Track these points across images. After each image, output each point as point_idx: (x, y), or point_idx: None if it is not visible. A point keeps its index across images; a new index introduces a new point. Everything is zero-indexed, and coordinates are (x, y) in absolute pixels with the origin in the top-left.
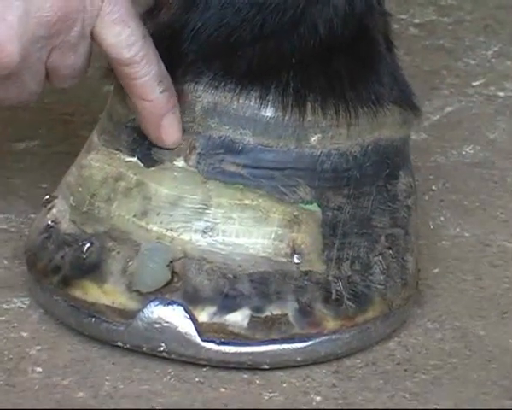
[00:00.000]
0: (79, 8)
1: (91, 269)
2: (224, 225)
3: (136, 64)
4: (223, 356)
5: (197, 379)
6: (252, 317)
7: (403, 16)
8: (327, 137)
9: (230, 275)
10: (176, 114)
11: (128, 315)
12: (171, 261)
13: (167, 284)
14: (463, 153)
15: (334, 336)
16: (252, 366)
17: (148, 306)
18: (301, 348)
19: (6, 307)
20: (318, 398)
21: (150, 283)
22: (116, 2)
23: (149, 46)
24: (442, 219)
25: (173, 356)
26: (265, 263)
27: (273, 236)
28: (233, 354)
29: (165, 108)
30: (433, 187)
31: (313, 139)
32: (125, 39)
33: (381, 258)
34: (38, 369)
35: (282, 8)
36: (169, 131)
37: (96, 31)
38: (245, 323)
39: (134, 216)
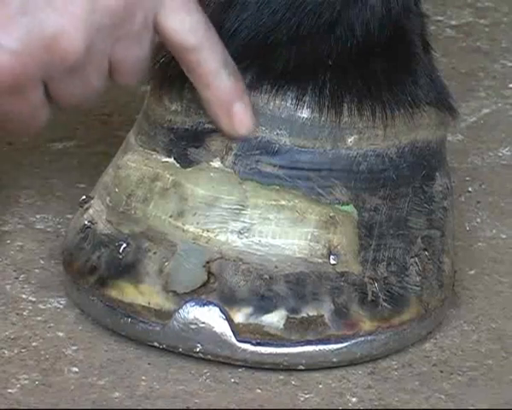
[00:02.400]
0: None
1: (127, 269)
2: (261, 225)
3: (202, 50)
4: (258, 357)
5: (233, 380)
6: (288, 318)
7: (439, 18)
8: (363, 138)
9: (267, 276)
10: (246, 100)
11: (164, 316)
12: (208, 262)
13: (203, 284)
14: (500, 154)
15: (369, 338)
16: (287, 367)
17: (184, 306)
18: (337, 349)
19: (42, 307)
20: (354, 399)
21: (186, 283)
22: None
23: (213, 32)
24: (478, 220)
25: (209, 357)
26: (301, 264)
27: (309, 237)
28: (269, 354)
29: (234, 93)
30: (470, 188)
31: (349, 140)
32: (190, 25)
33: (417, 259)
34: (75, 369)
35: (318, 10)
36: (241, 117)
37: (159, 18)
38: (281, 324)
39: (170, 217)
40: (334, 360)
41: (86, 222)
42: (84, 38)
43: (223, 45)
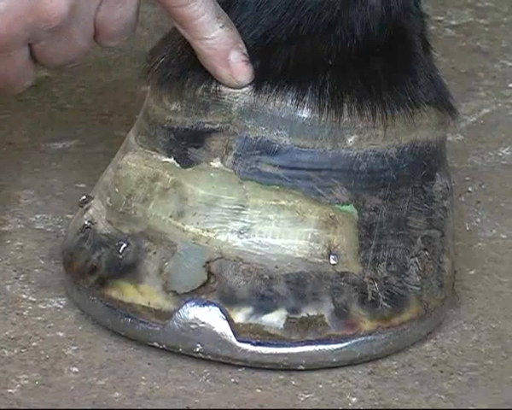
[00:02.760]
0: None
1: (127, 269)
2: (261, 225)
3: (193, 2)
4: (258, 357)
5: (233, 380)
6: (288, 318)
7: (439, 18)
8: (363, 138)
9: (267, 276)
10: (241, 48)
11: (164, 316)
12: (208, 262)
13: (203, 284)
14: (500, 154)
15: (369, 338)
16: (287, 367)
17: (184, 306)
18: (337, 349)
19: (42, 307)
20: (354, 399)
21: (186, 283)
22: None
23: None
24: (478, 220)
25: (209, 357)
26: (302, 264)
27: (309, 237)
28: (269, 354)
29: (229, 42)
30: (470, 189)
31: (349, 140)
32: None
33: (417, 259)
34: (74, 369)
35: (318, 10)
36: (239, 66)
37: None
38: (281, 324)
39: (170, 217)
40: (334, 360)
41: (86, 222)
42: (67, 0)
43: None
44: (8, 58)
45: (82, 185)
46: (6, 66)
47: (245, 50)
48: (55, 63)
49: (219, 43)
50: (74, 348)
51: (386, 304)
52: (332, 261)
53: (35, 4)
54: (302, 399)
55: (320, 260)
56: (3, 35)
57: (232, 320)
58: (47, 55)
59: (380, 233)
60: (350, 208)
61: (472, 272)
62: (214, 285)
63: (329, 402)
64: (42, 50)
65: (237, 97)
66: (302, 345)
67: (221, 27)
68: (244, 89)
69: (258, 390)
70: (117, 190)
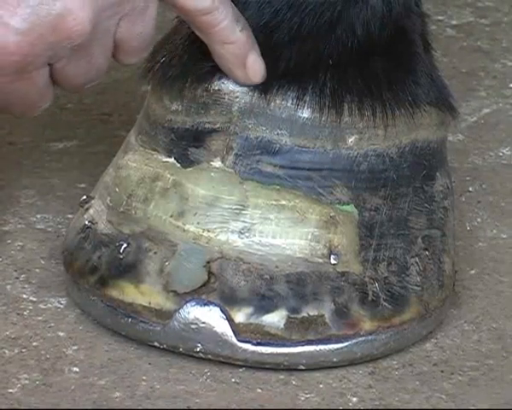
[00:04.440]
0: None
1: (128, 269)
2: (261, 225)
3: (216, 10)
4: (259, 357)
5: (233, 380)
6: (288, 318)
7: (440, 17)
8: (364, 138)
9: (267, 276)
10: (257, 49)
11: (165, 315)
12: (208, 262)
13: (204, 284)
14: (500, 154)
15: (370, 337)
16: (288, 367)
17: (185, 306)
18: (338, 348)
19: (43, 306)
20: (355, 399)
21: (187, 283)
22: None
23: None
24: (479, 220)
25: (210, 357)
26: (302, 264)
27: (310, 236)
28: (269, 354)
29: (248, 45)
30: (470, 188)
31: (350, 140)
32: None
33: (417, 259)
34: (75, 369)
35: (319, 10)
36: (255, 67)
37: None
38: (281, 324)
39: (171, 216)
40: (335, 359)
41: (87, 222)
42: (89, 18)
43: (231, 2)
44: (28, 78)
45: (82, 185)
46: (26, 86)
47: (259, 51)
48: (75, 84)
49: (239, 47)
50: (75, 347)
51: (386, 304)
52: (332, 261)
53: (58, 22)
54: (303, 399)
55: (320, 260)
56: (26, 54)
57: (233, 320)
58: (67, 76)
59: (380, 233)
60: (350, 208)
61: (472, 272)
62: (215, 285)
63: (330, 402)
64: (62, 70)
65: (238, 97)
66: (303, 345)
67: (240, 31)
68: (245, 88)
69: (259, 390)
70: (117, 189)
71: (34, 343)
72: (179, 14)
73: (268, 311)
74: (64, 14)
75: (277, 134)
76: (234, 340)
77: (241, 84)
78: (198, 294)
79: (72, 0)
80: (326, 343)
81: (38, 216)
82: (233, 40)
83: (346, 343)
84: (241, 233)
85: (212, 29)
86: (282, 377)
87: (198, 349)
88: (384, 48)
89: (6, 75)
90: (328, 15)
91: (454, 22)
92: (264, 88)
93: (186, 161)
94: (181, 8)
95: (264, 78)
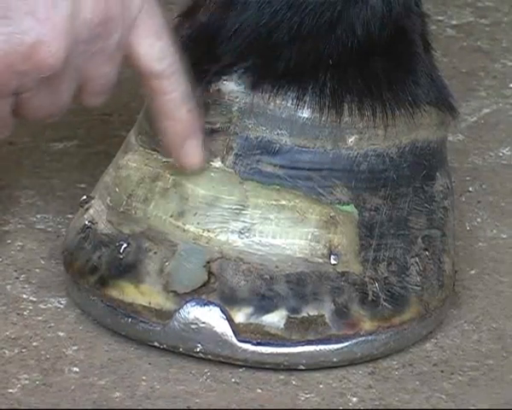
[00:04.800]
0: (118, 14)
1: (128, 269)
2: (261, 225)
3: (166, 78)
4: (259, 357)
5: (233, 380)
6: (288, 318)
7: (440, 17)
8: (364, 138)
9: (267, 276)
10: (198, 138)
11: (165, 315)
12: (208, 262)
13: (204, 284)
14: (500, 154)
15: (370, 338)
16: (288, 367)
17: (185, 306)
18: (338, 349)
19: (43, 306)
20: (355, 399)
21: (187, 283)
22: (152, 15)
23: (179, 63)
24: (479, 220)
25: (209, 357)
26: (302, 264)
27: (310, 237)
28: (269, 354)
29: (189, 129)
30: (470, 188)
31: (350, 140)
32: (157, 52)
33: (417, 259)
34: (75, 369)
35: (319, 10)
36: (190, 154)
37: (129, 40)
38: (281, 324)
39: (171, 216)
40: (335, 359)
41: (87, 222)
42: (63, 49)
43: (186, 79)
44: None
45: (82, 185)
46: None
47: (201, 142)
48: (36, 115)
49: (180, 127)
50: (75, 347)
51: (386, 304)
52: (332, 261)
53: (30, 51)
54: (302, 399)
55: (320, 260)
56: None
57: (233, 320)
58: (30, 107)
59: (380, 233)
60: (350, 208)
61: (472, 272)
62: (215, 285)
63: (330, 402)
64: (26, 102)
65: (238, 97)
66: (303, 345)
67: (187, 111)
68: (244, 88)
69: (259, 390)
70: (117, 189)
71: (34, 343)
72: (134, 69)
73: (268, 311)
74: (37, 43)
75: (277, 134)
76: (234, 340)
77: (176, 165)
78: (198, 294)
79: (47, 30)
80: (326, 343)
81: (38, 216)
82: (177, 118)
83: (346, 343)
84: (241, 233)
85: (158, 97)
86: (282, 377)
87: (198, 349)
88: (384, 48)
89: None
90: (328, 15)
91: (454, 22)
92: (264, 88)
93: None
94: (136, 63)
95: (199, 166)
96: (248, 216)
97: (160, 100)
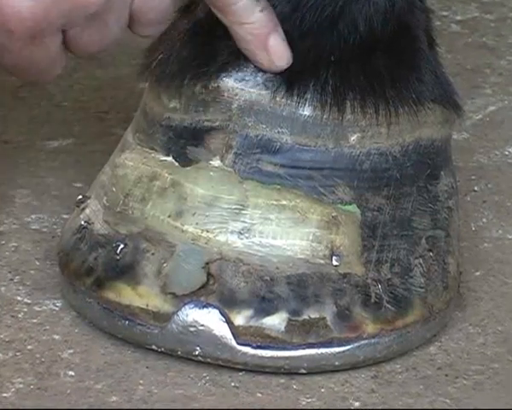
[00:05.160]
0: None
1: (125, 271)
2: (261, 226)
3: None
4: (259, 360)
5: (233, 384)
6: (289, 320)
7: (444, 13)
8: (366, 136)
9: (267, 277)
10: (280, 32)
11: (162, 318)
12: (207, 263)
13: (203, 286)
14: (506, 153)
15: (373, 341)
16: (289, 371)
17: (183, 308)
18: (339, 352)
19: (38, 309)
20: (357, 403)
21: (185, 285)
22: None
23: None
24: (484, 220)
25: (208, 360)
26: (303, 265)
27: (311, 237)
28: (270, 358)
29: (269, 26)
30: (475, 188)
31: (352, 139)
32: None
33: (421, 260)
34: (71, 373)
35: (320, 5)
36: (278, 50)
37: None
38: (282, 326)
39: (169, 217)
40: (337, 363)
41: (83, 222)
42: None
43: None
44: (41, 45)
45: (78, 185)
46: (39, 53)
47: (283, 34)
48: (87, 51)
49: (259, 28)
50: (70, 351)
51: (389, 306)
52: (334, 262)
53: None
54: (304, 403)
55: (322, 261)
56: (40, 20)
57: (232, 323)
58: (80, 43)
59: (383, 234)
60: (353, 208)
61: (478, 274)
62: (214, 287)
63: (332, 406)
64: (75, 38)
65: (237, 94)
66: (304, 348)
67: (260, 11)
68: (244, 86)
69: (259, 394)
70: (114, 189)
71: (29, 347)
72: None
73: (268, 313)
74: None
75: (278, 132)
76: (233, 343)
77: (268, 71)
78: (197, 296)
79: None
80: (328, 347)
81: (33, 216)
82: (252, 20)
83: (348, 347)
84: (241, 234)
85: (228, 8)
86: (282, 381)
87: (197, 353)
88: (387, 44)
89: (18, 40)
90: (330, 10)
91: (459, 18)
92: (264, 85)
93: (184, 160)
94: None
95: (289, 62)
96: (248, 216)
97: (232, 10)
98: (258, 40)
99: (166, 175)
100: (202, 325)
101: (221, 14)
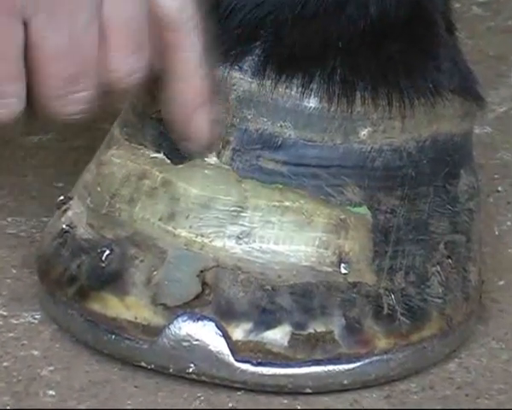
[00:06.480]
0: None
1: (111, 279)
2: (262, 230)
3: (185, 32)
4: (260, 378)
5: (230, 404)
6: (293, 334)
7: None
8: (378, 130)
9: (269, 287)
10: (209, 112)
11: (153, 332)
12: (202, 271)
13: (197, 296)
14: None
15: (385, 357)
16: (292, 390)
17: (176, 321)
18: (349, 369)
19: (15, 321)
20: None
21: (178, 295)
22: None
23: (199, 23)
24: (508, 223)
25: (203, 378)
26: (308, 273)
27: (317, 242)
28: (271, 376)
29: (201, 99)
30: (499, 188)
31: (363, 133)
32: (180, 2)
33: (439, 268)
34: (51, 392)
35: None
36: (200, 126)
37: None
38: (285, 341)
39: (160, 219)
40: (345, 381)
41: (64, 226)
42: None
43: (204, 45)
44: None
45: (60, 184)
46: None
47: (211, 115)
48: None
49: (193, 94)
50: (51, 368)
51: (404, 319)
52: (343, 270)
53: None
54: None
55: (329, 269)
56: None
57: (230, 337)
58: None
59: (397, 238)
60: (363, 210)
61: (501, 283)
62: (209, 297)
63: None
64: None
65: (235, 84)
66: (309, 365)
67: (201, 78)
68: (243, 75)
69: None
70: (99, 189)
71: (5, 363)
72: (153, 18)
73: (269, 327)
74: None
75: (280, 126)
76: (231, 359)
77: (177, 141)
78: (190, 307)
79: None
80: (335, 363)
81: (9, 219)
82: (190, 81)
83: (357, 363)
84: (240, 238)
85: (174, 54)
86: (285, 401)
87: (190, 370)
88: (401, 29)
89: None
90: None
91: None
92: (265, 74)
93: (177, 157)
94: (156, 12)
95: (203, 145)
96: (247, 219)
97: (176, 57)
98: (185, 108)
99: (157, 173)
100: (197, 340)
101: (166, 62)
